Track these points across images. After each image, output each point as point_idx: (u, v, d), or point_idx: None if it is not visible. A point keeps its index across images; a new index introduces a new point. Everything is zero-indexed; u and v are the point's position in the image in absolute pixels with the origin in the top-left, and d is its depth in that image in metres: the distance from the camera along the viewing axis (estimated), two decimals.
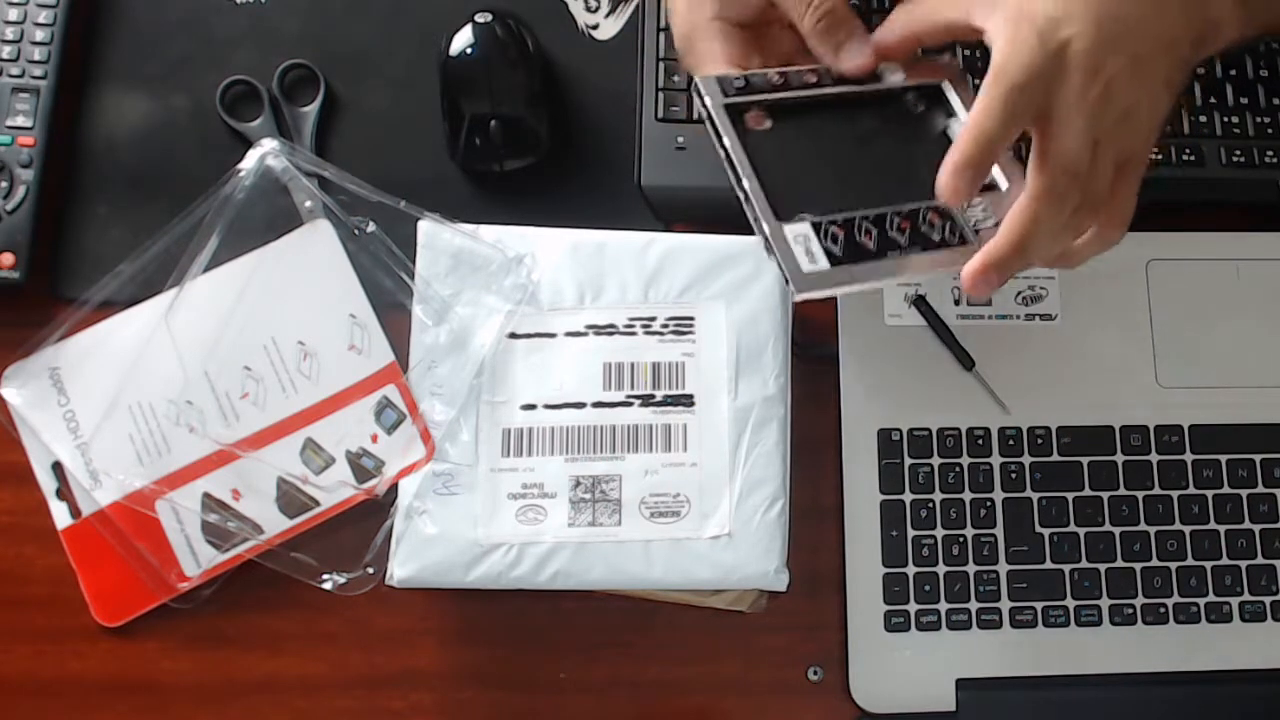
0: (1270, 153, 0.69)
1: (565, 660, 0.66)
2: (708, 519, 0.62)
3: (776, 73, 0.57)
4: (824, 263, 0.54)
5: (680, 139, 0.67)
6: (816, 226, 0.55)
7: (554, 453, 0.63)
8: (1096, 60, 0.51)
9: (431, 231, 0.65)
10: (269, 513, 0.65)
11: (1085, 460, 0.68)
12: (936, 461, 0.68)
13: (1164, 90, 0.54)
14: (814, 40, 0.57)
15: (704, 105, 0.56)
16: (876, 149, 0.59)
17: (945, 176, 0.51)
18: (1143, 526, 0.68)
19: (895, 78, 0.59)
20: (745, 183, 0.55)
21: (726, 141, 0.56)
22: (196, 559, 0.64)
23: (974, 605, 0.66)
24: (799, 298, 0.54)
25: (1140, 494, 0.68)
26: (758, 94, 0.57)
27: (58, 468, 0.65)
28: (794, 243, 0.54)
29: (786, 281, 0.54)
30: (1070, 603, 0.67)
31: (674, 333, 0.64)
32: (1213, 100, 0.70)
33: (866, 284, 0.55)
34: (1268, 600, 0.67)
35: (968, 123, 0.52)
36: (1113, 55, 0.51)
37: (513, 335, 0.64)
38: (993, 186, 0.57)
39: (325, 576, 0.64)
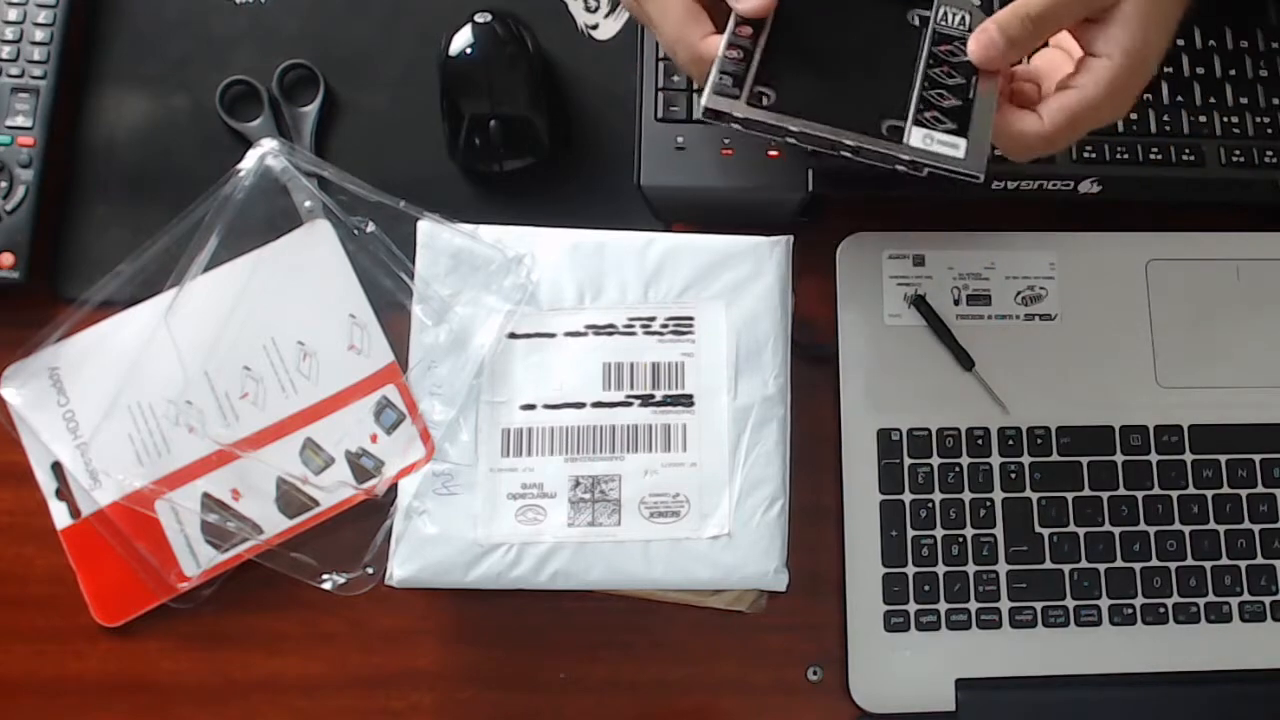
0: (1270, 153, 0.69)
1: (565, 660, 0.66)
2: (707, 519, 0.62)
3: (729, 51, 0.56)
4: (960, 141, 0.56)
5: (680, 139, 0.67)
6: (920, 121, 0.56)
7: (554, 453, 0.63)
8: None
9: (431, 231, 0.65)
10: (269, 513, 0.65)
11: (1085, 460, 0.68)
12: (936, 461, 0.68)
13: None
14: None
15: (737, 120, 0.56)
16: (845, 28, 0.59)
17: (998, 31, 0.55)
18: (1142, 526, 0.68)
19: None
20: (846, 140, 0.56)
21: (794, 128, 0.56)
22: (196, 559, 0.64)
23: (974, 605, 0.66)
24: (982, 175, 0.55)
25: (1140, 494, 0.68)
26: (747, 70, 0.56)
27: (57, 468, 0.65)
28: (932, 147, 0.56)
29: (973, 178, 0.55)
30: (1070, 603, 0.67)
31: (674, 333, 0.64)
32: (1212, 100, 0.70)
33: (990, 123, 0.56)
34: (1267, 600, 0.67)
35: None
36: None
37: (512, 335, 0.64)
38: None
39: (325, 576, 0.64)
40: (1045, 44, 0.61)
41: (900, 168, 0.56)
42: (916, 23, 0.59)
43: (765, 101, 0.56)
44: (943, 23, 0.58)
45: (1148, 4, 0.55)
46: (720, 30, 0.57)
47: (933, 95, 0.57)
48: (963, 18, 0.58)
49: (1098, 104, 0.56)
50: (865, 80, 0.58)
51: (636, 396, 0.63)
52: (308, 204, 0.69)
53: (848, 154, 0.57)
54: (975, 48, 0.56)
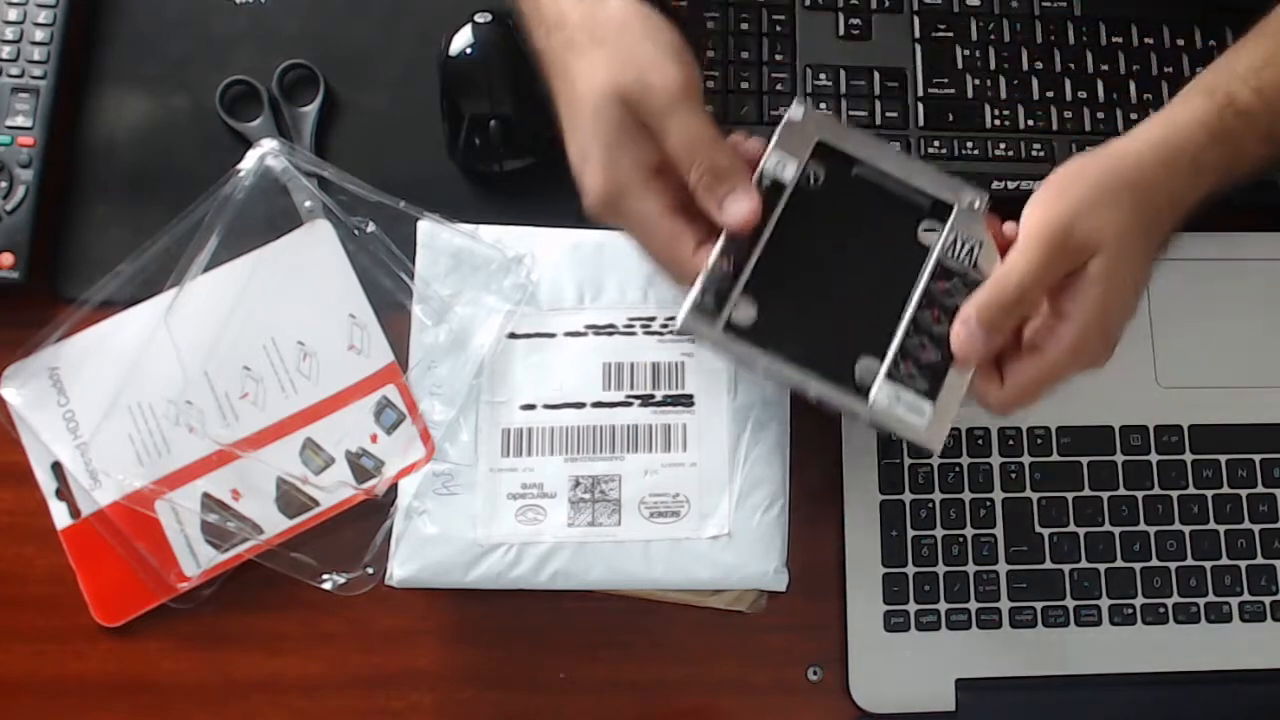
0: None
1: (565, 660, 0.66)
2: (707, 519, 0.62)
3: (720, 260, 0.54)
4: (926, 406, 0.55)
5: None
6: (892, 377, 0.55)
7: (553, 453, 0.63)
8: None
9: (431, 231, 0.65)
10: (269, 513, 0.65)
11: (1085, 460, 0.68)
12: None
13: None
14: (699, 196, 0.54)
15: (711, 343, 0.55)
16: (841, 252, 0.57)
17: (978, 319, 0.54)
18: (1142, 526, 0.68)
19: (787, 171, 0.56)
20: (810, 389, 0.55)
21: (761, 364, 0.55)
22: (196, 559, 0.64)
23: (974, 605, 0.66)
24: (938, 451, 0.55)
25: (1140, 494, 0.68)
26: (728, 292, 0.55)
27: (57, 468, 0.65)
28: (891, 409, 0.55)
29: (928, 451, 0.55)
30: (1070, 603, 0.67)
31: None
32: None
33: (964, 389, 0.55)
34: (1267, 600, 0.67)
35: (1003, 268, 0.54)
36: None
37: (512, 335, 0.64)
38: (938, 206, 0.58)
39: (325, 576, 0.64)
40: None
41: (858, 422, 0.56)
42: (925, 242, 0.57)
43: (745, 320, 0.55)
44: (948, 253, 0.57)
45: (1115, 260, 0.55)
46: (707, 238, 0.55)
47: (914, 344, 0.56)
48: (971, 249, 0.57)
49: (1061, 366, 0.56)
50: (853, 307, 0.56)
51: (636, 396, 0.63)
52: (308, 204, 0.69)
53: (811, 398, 0.56)
54: (956, 345, 0.56)
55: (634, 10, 0.55)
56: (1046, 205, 0.55)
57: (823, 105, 0.69)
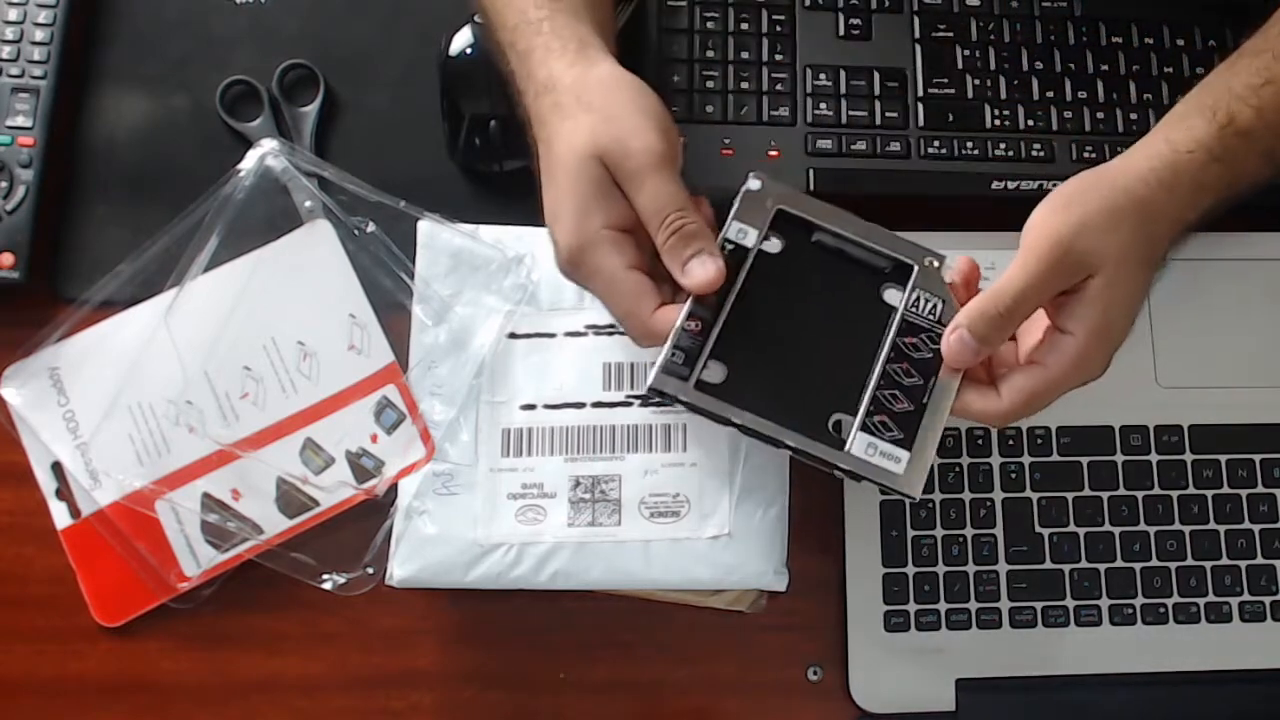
0: None
1: (565, 660, 0.66)
2: (707, 519, 0.62)
3: (688, 323, 0.56)
4: (903, 454, 0.56)
5: (680, 139, 0.67)
6: (866, 428, 0.56)
7: (554, 453, 0.63)
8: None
9: (431, 231, 0.65)
10: (269, 513, 0.65)
11: (1085, 460, 0.68)
12: (936, 461, 0.67)
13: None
14: (665, 257, 0.56)
15: (682, 402, 0.56)
16: (807, 315, 0.58)
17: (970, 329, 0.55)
18: (1142, 526, 0.68)
19: (747, 237, 0.58)
20: (787, 441, 0.56)
21: (736, 420, 0.56)
22: (196, 559, 0.64)
23: (974, 605, 0.66)
24: (918, 497, 0.56)
25: (1140, 494, 0.68)
26: (698, 353, 0.56)
27: (57, 468, 0.65)
28: (869, 459, 0.56)
29: (908, 497, 0.56)
30: (1070, 603, 0.67)
31: (643, 397, 0.64)
32: None
33: (939, 434, 0.56)
34: (1268, 600, 0.67)
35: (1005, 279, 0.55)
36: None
37: (512, 335, 0.64)
38: (900, 268, 0.58)
39: (325, 576, 0.64)
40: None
41: (837, 474, 0.56)
42: (889, 301, 0.58)
43: (715, 380, 0.56)
44: (913, 310, 0.58)
45: (1114, 281, 0.56)
46: (670, 300, 0.56)
47: (886, 396, 0.57)
48: (934, 306, 0.58)
49: (1061, 380, 0.56)
50: (823, 366, 0.57)
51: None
52: (308, 204, 0.69)
53: (788, 451, 0.56)
54: (947, 351, 0.57)
55: (622, 78, 0.57)
56: (1048, 220, 0.56)
57: (822, 106, 0.70)
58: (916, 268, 0.58)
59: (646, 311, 0.56)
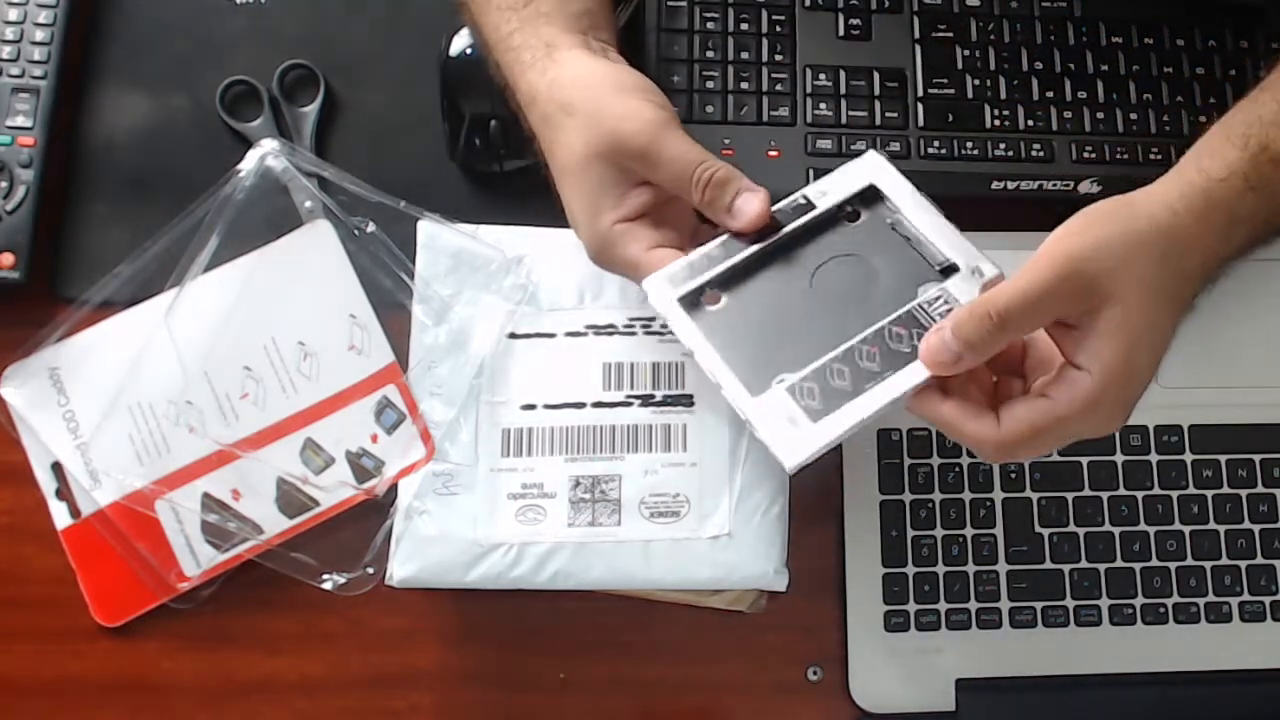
0: None
1: (565, 660, 0.66)
2: (707, 519, 0.62)
3: (716, 245, 0.57)
4: (806, 423, 0.54)
5: None
6: (792, 390, 0.55)
7: (554, 453, 0.63)
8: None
9: (431, 231, 0.65)
10: (269, 513, 0.65)
11: (1085, 460, 0.68)
12: (936, 461, 0.68)
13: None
14: (708, 210, 0.56)
15: (662, 308, 0.56)
16: (831, 280, 0.58)
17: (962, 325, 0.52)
18: (1142, 526, 0.68)
19: (825, 199, 0.58)
20: (714, 372, 0.55)
21: (683, 339, 0.56)
22: (196, 559, 0.64)
23: (974, 605, 0.66)
24: (791, 468, 0.53)
25: (1140, 494, 0.68)
26: (702, 274, 0.57)
27: (57, 468, 0.65)
28: (773, 415, 0.54)
29: (778, 459, 0.54)
30: (1070, 603, 0.67)
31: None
32: (1212, 100, 0.70)
33: (851, 427, 0.54)
34: (1267, 600, 0.67)
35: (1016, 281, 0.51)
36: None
37: (512, 335, 0.64)
38: (949, 270, 0.57)
39: (325, 576, 0.64)
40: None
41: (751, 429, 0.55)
42: (920, 295, 0.56)
43: (700, 304, 0.56)
44: (927, 305, 0.56)
45: (1132, 317, 0.51)
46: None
47: (834, 370, 0.55)
48: (950, 310, 0.55)
49: (1069, 420, 0.52)
50: (807, 331, 0.56)
51: (636, 396, 0.63)
52: (308, 204, 0.69)
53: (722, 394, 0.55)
54: (924, 348, 0.53)
55: (593, 70, 0.58)
56: (1063, 239, 0.52)
57: (822, 106, 0.70)
58: (960, 270, 0.57)
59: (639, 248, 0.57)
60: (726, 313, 0.57)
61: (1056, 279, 0.51)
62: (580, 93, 0.57)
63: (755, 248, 0.57)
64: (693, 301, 0.57)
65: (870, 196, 0.59)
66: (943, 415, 0.54)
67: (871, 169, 0.59)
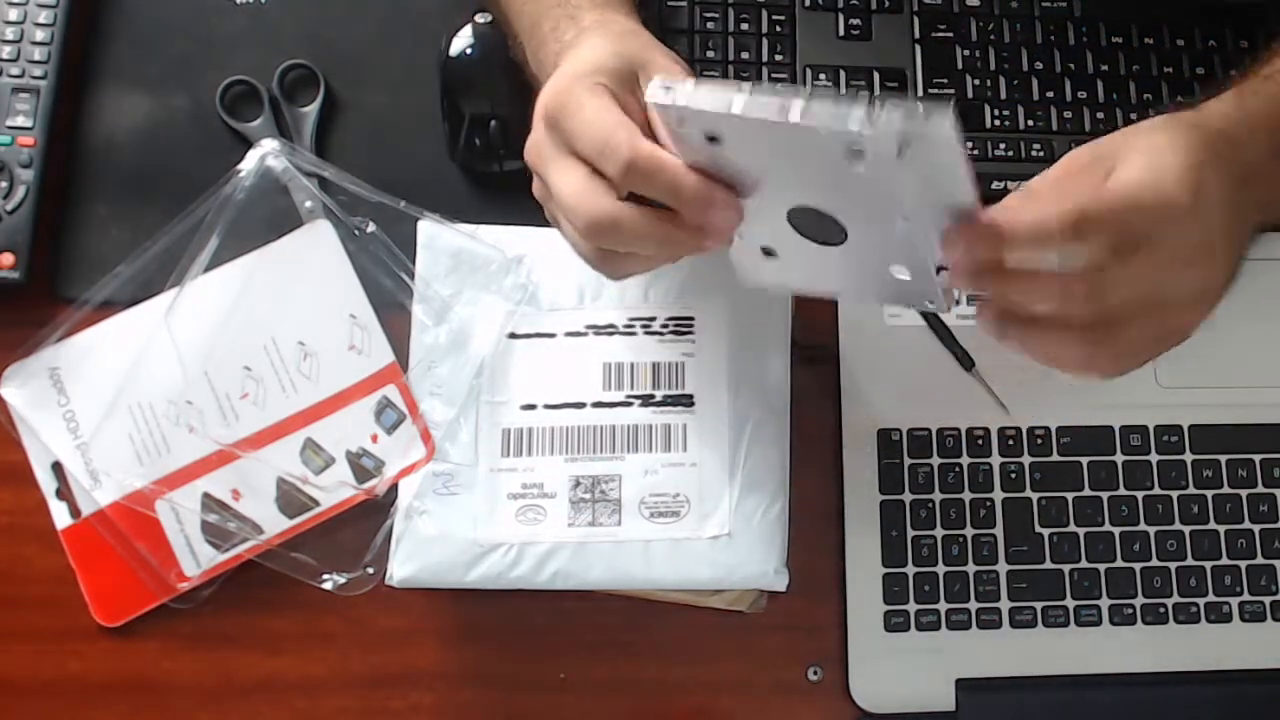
0: None
1: (565, 660, 0.66)
2: (707, 519, 0.62)
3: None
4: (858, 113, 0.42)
5: None
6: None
7: (554, 453, 0.63)
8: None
9: (431, 231, 0.65)
10: (269, 513, 0.65)
11: (1085, 460, 0.68)
12: (936, 461, 0.68)
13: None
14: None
15: (681, 106, 0.46)
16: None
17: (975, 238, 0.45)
18: (1142, 526, 0.68)
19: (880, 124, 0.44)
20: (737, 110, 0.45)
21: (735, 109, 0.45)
22: (196, 559, 0.64)
23: (974, 605, 0.66)
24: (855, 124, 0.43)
25: (1140, 494, 0.68)
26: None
27: (57, 468, 0.65)
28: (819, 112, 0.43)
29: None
30: (1070, 603, 0.67)
31: (674, 333, 0.64)
32: None
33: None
34: (1267, 600, 0.67)
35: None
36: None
37: (512, 335, 0.64)
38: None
39: (325, 576, 0.64)
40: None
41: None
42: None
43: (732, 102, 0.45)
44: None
45: (1159, 173, 0.45)
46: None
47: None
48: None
49: (1136, 200, 0.45)
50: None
51: (636, 396, 0.64)
52: (308, 204, 0.69)
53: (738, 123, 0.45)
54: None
55: (625, 23, 0.55)
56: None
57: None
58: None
59: (629, 136, 0.47)
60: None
61: (1066, 165, 0.47)
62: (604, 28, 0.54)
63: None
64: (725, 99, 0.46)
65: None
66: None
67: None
